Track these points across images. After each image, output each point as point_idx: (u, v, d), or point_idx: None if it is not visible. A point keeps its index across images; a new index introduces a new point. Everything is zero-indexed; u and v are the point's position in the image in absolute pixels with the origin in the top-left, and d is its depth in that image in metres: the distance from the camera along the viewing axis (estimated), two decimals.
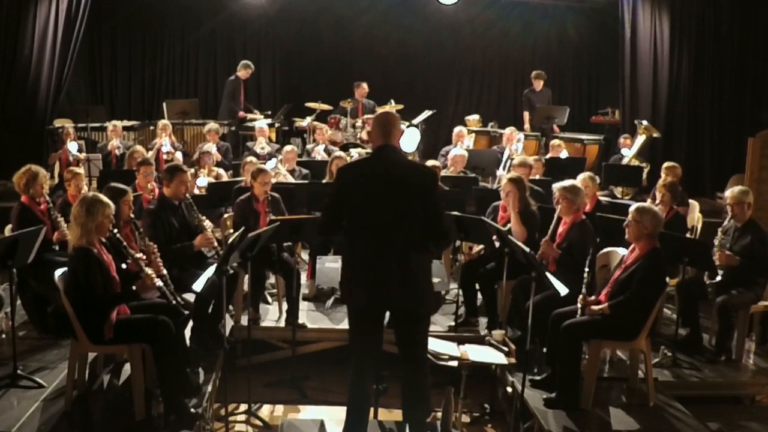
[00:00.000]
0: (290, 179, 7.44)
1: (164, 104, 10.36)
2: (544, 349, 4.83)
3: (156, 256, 4.47)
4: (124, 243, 4.23)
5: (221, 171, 8.12)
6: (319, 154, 8.90)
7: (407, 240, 3.60)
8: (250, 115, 10.68)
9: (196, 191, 7.11)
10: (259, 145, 8.93)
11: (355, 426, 3.77)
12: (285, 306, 5.69)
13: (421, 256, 3.69)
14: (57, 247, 5.30)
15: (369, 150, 9.33)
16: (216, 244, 5.29)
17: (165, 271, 4.46)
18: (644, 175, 8.76)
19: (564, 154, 9.05)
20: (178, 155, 8.63)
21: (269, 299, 6.12)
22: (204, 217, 5.28)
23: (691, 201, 7.23)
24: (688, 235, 6.10)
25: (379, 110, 10.81)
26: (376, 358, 3.82)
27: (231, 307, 5.56)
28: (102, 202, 4.06)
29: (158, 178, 6.91)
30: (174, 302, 4.28)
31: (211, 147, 8.47)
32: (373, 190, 3.63)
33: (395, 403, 3.97)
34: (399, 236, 3.59)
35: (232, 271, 5.11)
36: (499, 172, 8.34)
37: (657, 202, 5.88)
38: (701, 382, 4.98)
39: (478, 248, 5.80)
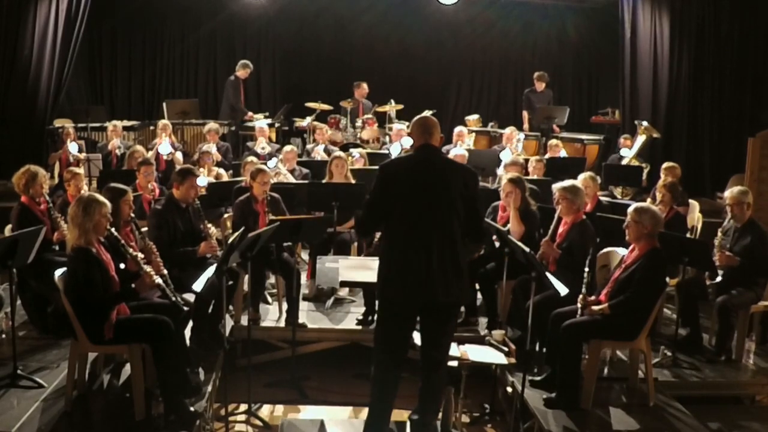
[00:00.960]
0: (291, 179, 7.45)
1: (164, 104, 10.36)
2: (544, 349, 4.84)
3: (156, 256, 4.46)
4: (123, 242, 4.22)
5: (221, 171, 8.13)
6: (319, 154, 8.90)
7: (451, 236, 3.64)
8: (255, 115, 10.70)
9: None
10: (259, 145, 8.93)
11: (376, 424, 3.78)
12: (285, 306, 5.69)
13: (461, 252, 3.72)
14: (57, 247, 5.29)
15: (369, 150, 9.34)
16: (218, 252, 5.28)
17: (165, 271, 4.45)
18: (644, 176, 8.76)
19: (562, 154, 9.05)
20: (178, 155, 8.63)
21: (269, 299, 6.12)
22: (210, 225, 5.27)
23: (691, 201, 7.23)
24: (688, 235, 6.10)
25: (379, 110, 10.82)
26: (404, 357, 3.81)
27: (231, 307, 5.55)
28: (98, 202, 4.06)
29: (158, 178, 6.92)
30: (174, 299, 4.28)
31: (211, 147, 8.47)
32: (417, 187, 3.66)
33: (396, 403, 3.97)
34: (444, 232, 3.63)
35: (231, 282, 5.11)
36: (500, 171, 8.34)
37: (657, 202, 5.88)
38: (701, 382, 4.98)
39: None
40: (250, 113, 10.63)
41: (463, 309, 5.65)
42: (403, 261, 3.64)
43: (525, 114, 10.96)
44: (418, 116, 3.93)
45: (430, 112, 10.64)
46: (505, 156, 8.32)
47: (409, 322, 3.76)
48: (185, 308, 4.36)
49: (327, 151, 8.85)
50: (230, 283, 5.14)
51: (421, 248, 3.61)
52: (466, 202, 3.70)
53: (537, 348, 4.95)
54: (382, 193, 3.72)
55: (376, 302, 3.98)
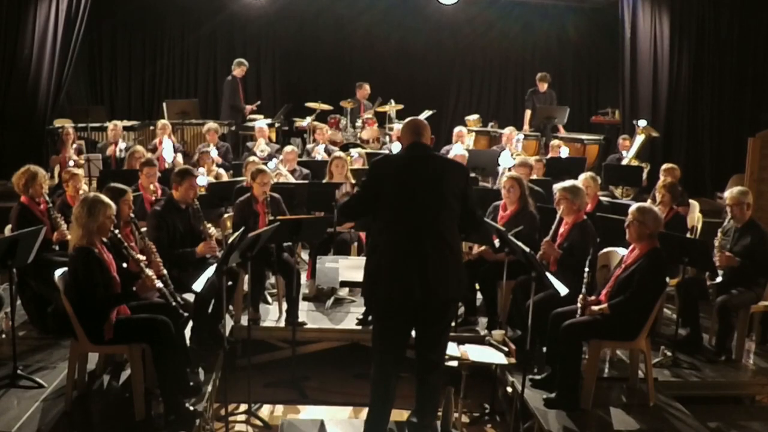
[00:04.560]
0: (291, 179, 7.45)
1: (164, 104, 10.37)
2: (544, 349, 4.84)
3: (156, 256, 4.47)
4: (125, 244, 4.22)
5: (221, 171, 8.12)
6: (319, 153, 8.90)
7: (446, 232, 3.62)
8: (253, 109, 10.69)
9: None
10: (258, 147, 8.91)
11: (376, 424, 3.77)
12: (285, 306, 5.69)
13: (456, 248, 3.71)
14: (57, 247, 5.29)
15: (369, 150, 9.34)
16: (218, 252, 5.27)
17: (165, 272, 4.46)
18: (644, 176, 8.76)
19: (565, 152, 9.05)
20: (179, 158, 8.61)
21: (269, 299, 6.12)
22: (210, 225, 5.25)
23: (691, 201, 7.24)
24: (688, 235, 6.10)
25: (379, 110, 10.82)
26: (402, 356, 3.80)
27: (231, 307, 5.55)
28: (103, 203, 4.06)
29: (159, 179, 6.90)
30: (173, 304, 4.27)
31: (211, 150, 8.40)
32: (410, 183, 3.63)
33: (396, 403, 3.97)
34: (438, 228, 3.60)
35: (230, 283, 5.10)
36: (500, 169, 8.32)
37: (657, 203, 5.87)
38: (701, 382, 4.98)
39: (479, 249, 5.78)
40: (248, 107, 10.59)
41: (462, 309, 5.66)
42: (394, 260, 3.59)
43: (526, 113, 10.95)
44: (408, 119, 3.90)
45: (430, 112, 10.75)
46: (504, 157, 8.27)
47: (405, 321, 3.72)
48: (185, 314, 4.36)
49: (327, 151, 8.86)
50: (230, 283, 5.13)
51: (414, 247, 3.57)
52: (459, 199, 3.68)
53: (537, 348, 4.95)
54: (372, 189, 3.70)
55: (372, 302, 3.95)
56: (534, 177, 7.22)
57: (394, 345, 3.73)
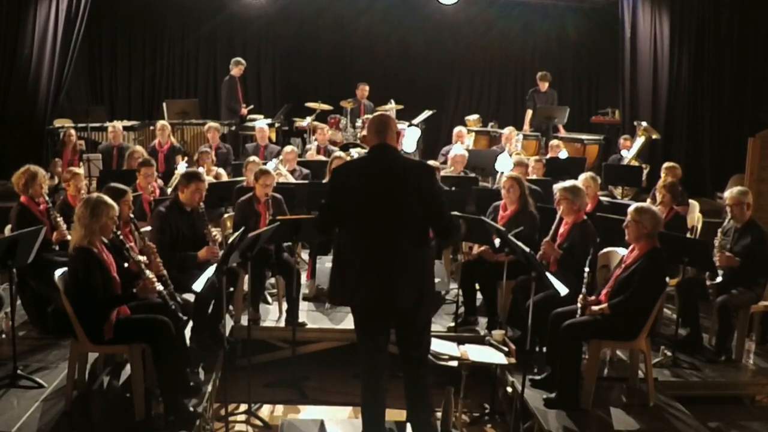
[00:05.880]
0: (291, 179, 7.45)
1: (164, 104, 10.36)
2: (544, 349, 4.84)
3: (155, 256, 4.47)
4: (127, 245, 4.22)
5: (221, 170, 8.12)
6: (312, 157, 8.85)
7: (406, 238, 3.58)
8: (248, 111, 10.68)
9: None
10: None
11: (374, 423, 3.77)
12: (285, 306, 5.69)
13: (421, 254, 3.65)
14: (57, 247, 5.29)
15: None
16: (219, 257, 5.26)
17: (165, 272, 4.46)
18: (644, 176, 8.76)
19: (563, 154, 9.05)
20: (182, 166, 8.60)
21: (269, 299, 6.12)
22: (213, 231, 5.23)
23: (691, 201, 7.23)
24: (688, 235, 6.09)
25: (379, 110, 10.83)
26: (385, 358, 3.78)
27: (231, 307, 5.55)
28: (106, 204, 4.06)
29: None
30: (173, 307, 4.26)
31: (210, 154, 8.35)
32: (370, 189, 3.60)
33: (395, 402, 3.97)
34: (398, 234, 3.57)
35: (231, 289, 5.08)
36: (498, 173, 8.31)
37: (657, 203, 5.88)
38: (701, 382, 4.98)
39: (479, 249, 5.78)
40: (243, 108, 10.56)
41: (462, 309, 5.66)
42: (362, 269, 3.58)
43: (528, 113, 10.95)
44: (375, 113, 3.89)
45: (430, 112, 10.76)
46: (501, 162, 8.21)
47: (381, 324, 3.71)
48: (184, 318, 4.36)
49: (327, 151, 8.85)
50: (231, 289, 5.12)
51: (379, 254, 3.55)
52: (424, 200, 3.60)
53: (537, 348, 4.95)
54: (334, 197, 3.68)
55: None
56: (533, 177, 7.24)
57: (377, 344, 3.73)
